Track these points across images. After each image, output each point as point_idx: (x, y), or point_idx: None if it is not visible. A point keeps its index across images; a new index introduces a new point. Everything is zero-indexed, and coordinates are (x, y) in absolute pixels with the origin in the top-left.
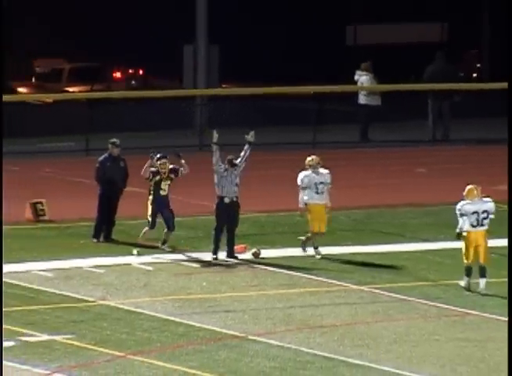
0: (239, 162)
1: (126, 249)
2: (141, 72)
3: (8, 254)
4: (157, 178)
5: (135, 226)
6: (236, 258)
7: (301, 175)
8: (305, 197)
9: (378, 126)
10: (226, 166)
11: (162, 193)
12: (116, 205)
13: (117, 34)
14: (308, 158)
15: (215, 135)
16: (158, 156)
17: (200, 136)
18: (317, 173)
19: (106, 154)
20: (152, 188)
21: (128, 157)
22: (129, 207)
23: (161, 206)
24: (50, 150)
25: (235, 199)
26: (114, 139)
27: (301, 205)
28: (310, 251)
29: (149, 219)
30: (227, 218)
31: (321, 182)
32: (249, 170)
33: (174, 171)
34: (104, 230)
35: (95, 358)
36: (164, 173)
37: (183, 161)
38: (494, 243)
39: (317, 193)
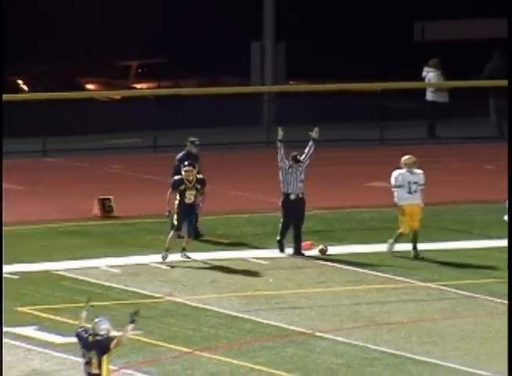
0: (304, 158)
1: (195, 245)
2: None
3: (75, 250)
4: (182, 187)
5: (204, 223)
6: (302, 254)
7: (395, 173)
8: (397, 197)
9: (446, 123)
10: (291, 162)
11: (187, 201)
12: None
13: (185, 31)
14: (405, 157)
15: (280, 133)
16: (186, 163)
17: (267, 133)
18: (411, 172)
19: (184, 152)
20: (177, 195)
21: None
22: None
23: (186, 213)
24: (118, 147)
25: (300, 195)
26: (194, 138)
27: (399, 204)
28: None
29: (175, 223)
30: (293, 214)
31: (414, 182)
32: (316, 166)
33: (202, 182)
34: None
35: (162, 354)
36: (190, 182)
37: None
38: None
39: (409, 192)
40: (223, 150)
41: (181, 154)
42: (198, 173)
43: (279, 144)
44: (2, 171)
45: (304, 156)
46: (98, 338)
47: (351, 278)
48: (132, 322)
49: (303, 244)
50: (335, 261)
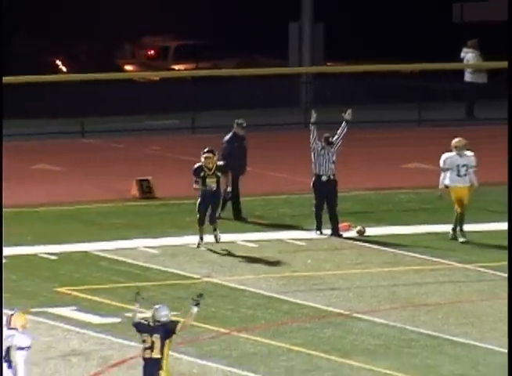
0: (336, 140)
1: (233, 226)
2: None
3: (114, 230)
4: (201, 174)
5: (242, 204)
6: (340, 236)
7: (444, 156)
8: (446, 179)
9: (484, 104)
10: (323, 144)
11: (208, 189)
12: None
13: (223, 12)
14: (455, 140)
15: (313, 115)
16: (205, 150)
17: (305, 114)
18: (461, 155)
19: (231, 134)
20: (200, 183)
21: None
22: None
23: (207, 202)
24: (156, 128)
25: (332, 177)
26: (241, 120)
27: (440, 186)
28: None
29: (197, 215)
30: (326, 196)
31: (464, 165)
32: (353, 148)
33: (222, 168)
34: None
35: (200, 334)
36: (210, 169)
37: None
38: None
39: (459, 175)
40: (261, 131)
41: (228, 136)
42: (222, 159)
43: (311, 126)
44: (2, 155)
45: (336, 137)
46: (158, 324)
47: (388, 259)
48: (197, 305)
49: (340, 225)
50: (373, 242)
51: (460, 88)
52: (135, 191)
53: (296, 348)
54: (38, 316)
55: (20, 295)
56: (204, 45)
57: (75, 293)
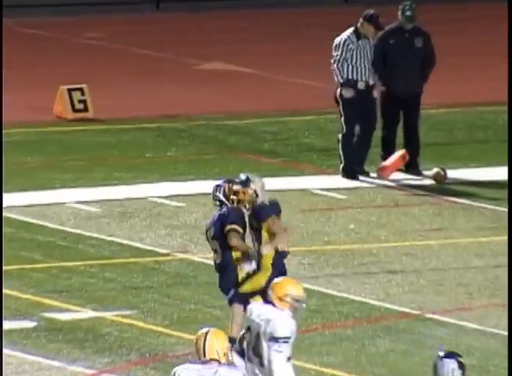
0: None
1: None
2: None
3: (27, 174)
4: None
5: (246, 130)
6: (366, 173)
7: None
8: None
9: None
10: (362, 22)
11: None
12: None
13: None
14: None
15: None
16: (242, 177)
17: None
18: None
19: (393, 25)
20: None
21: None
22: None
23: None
24: (98, 2)
25: (371, 83)
26: (409, 12)
27: None
28: None
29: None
30: (360, 114)
31: None
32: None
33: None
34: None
35: (171, 348)
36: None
37: None
38: None
39: None
40: (273, 8)
41: (388, 27)
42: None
43: None
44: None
45: None
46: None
47: (486, 222)
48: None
49: (388, 163)
50: (459, 194)
51: None
52: (60, 108)
53: (329, 370)
54: None
55: None
56: None
57: None
